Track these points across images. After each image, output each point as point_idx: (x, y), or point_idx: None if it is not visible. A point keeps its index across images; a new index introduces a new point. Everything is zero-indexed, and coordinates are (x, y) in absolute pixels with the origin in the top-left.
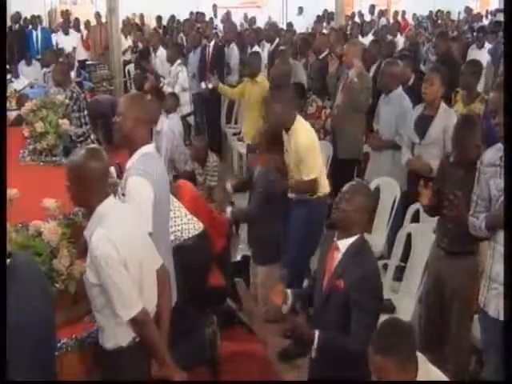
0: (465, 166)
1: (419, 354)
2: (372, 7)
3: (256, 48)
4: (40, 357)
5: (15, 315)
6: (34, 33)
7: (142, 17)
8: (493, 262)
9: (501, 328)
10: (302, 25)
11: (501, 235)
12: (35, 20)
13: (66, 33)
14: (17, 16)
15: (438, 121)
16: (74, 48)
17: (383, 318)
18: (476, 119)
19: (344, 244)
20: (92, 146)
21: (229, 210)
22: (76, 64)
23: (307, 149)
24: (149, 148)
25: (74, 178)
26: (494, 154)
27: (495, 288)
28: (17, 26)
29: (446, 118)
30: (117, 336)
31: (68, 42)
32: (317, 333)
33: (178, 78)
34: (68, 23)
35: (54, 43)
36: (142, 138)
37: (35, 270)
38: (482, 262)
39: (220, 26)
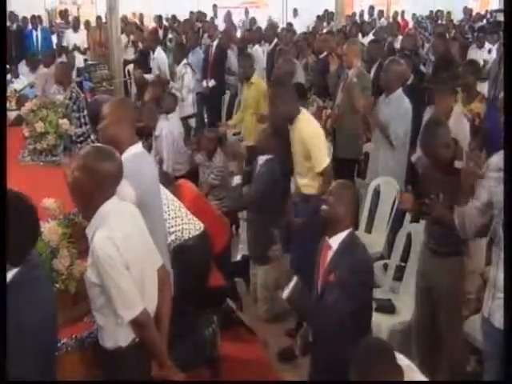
0: (443, 167)
1: (407, 363)
2: (371, 8)
3: (257, 47)
4: (46, 358)
5: (30, 316)
6: (34, 33)
7: (141, 16)
8: (497, 271)
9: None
10: (300, 26)
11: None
12: (35, 20)
13: (75, 30)
14: (12, 16)
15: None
16: (86, 48)
17: (383, 317)
18: (441, 120)
19: (335, 240)
20: (102, 145)
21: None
22: (77, 64)
23: (312, 137)
24: (136, 148)
25: (84, 178)
26: (500, 158)
27: (499, 297)
28: (14, 25)
29: (456, 124)
30: (116, 336)
31: (76, 39)
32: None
33: (183, 79)
34: (77, 21)
35: (64, 41)
36: (128, 139)
37: (44, 268)
38: (471, 263)
39: (220, 26)
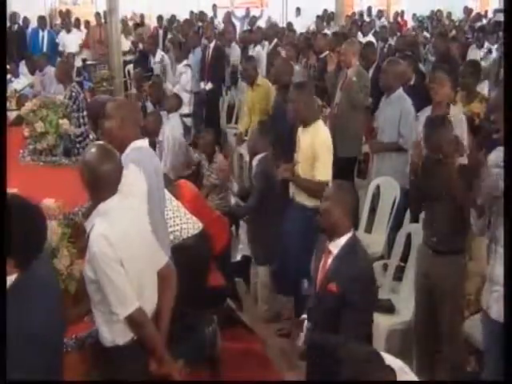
0: (445, 162)
1: (399, 365)
2: (369, 9)
3: (257, 48)
4: (51, 359)
5: (33, 317)
6: (41, 33)
7: (142, 17)
8: (494, 264)
9: (503, 330)
10: (301, 25)
11: (501, 236)
12: (43, 21)
13: (68, 31)
14: (15, 16)
15: None
16: (81, 48)
17: (383, 317)
18: (444, 118)
19: (336, 245)
20: (103, 143)
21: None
22: (77, 64)
23: (326, 147)
24: (141, 142)
25: (87, 177)
26: (498, 155)
27: (496, 290)
28: (15, 26)
29: (455, 121)
30: (113, 333)
31: (70, 40)
32: (303, 333)
33: (180, 78)
34: (69, 22)
35: (60, 43)
36: (132, 137)
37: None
38: (474, 265)
39: (220, 26)
